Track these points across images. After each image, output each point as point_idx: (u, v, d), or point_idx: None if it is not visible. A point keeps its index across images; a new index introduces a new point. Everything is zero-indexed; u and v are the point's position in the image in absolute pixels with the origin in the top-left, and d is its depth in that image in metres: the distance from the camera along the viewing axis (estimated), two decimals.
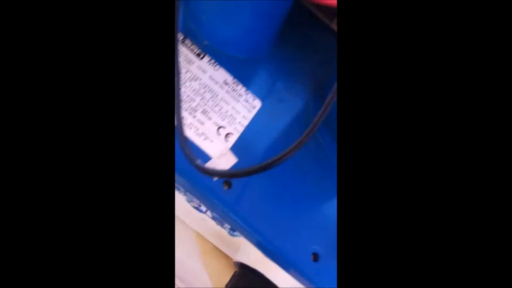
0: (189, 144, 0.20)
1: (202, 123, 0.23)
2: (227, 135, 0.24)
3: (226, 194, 0.22)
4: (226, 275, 0.43)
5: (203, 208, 0.34)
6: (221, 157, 0.23)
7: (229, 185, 0.22)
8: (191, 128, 0.23)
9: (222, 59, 0.25)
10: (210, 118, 0.24)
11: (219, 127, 0.24)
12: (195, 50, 0.25)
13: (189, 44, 0.25)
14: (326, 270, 0.24)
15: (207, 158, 0.23)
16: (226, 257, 0.42)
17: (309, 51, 0.28)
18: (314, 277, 0.24)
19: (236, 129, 0.24)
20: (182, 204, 0.37)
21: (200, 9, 0.24)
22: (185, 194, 0.34)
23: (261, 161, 0.17)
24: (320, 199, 0.25)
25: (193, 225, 0.42)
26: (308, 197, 0.24)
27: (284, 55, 0.27)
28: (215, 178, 0.22)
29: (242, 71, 0.25)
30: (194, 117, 0.23)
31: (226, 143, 0.23)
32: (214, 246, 0.42)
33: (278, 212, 0.23)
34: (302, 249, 0.23)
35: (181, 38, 0.25)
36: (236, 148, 0.23)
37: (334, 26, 0.29)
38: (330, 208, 0.25)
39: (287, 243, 0.23)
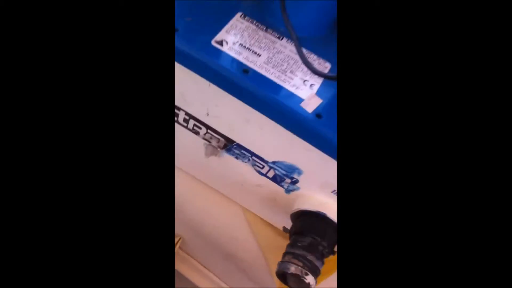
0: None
1: (292, 79, 0.33)
2: (311, 85, 0.33)
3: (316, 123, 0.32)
4: (277, 242, 0.49)
5: (265, 169, 0.42)
6: (311, 98, 0.32)
7: None
8: (285, 82, 0.33)
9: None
10: (296, 75, 0.34)
11: (304, 80, 0.33)
12: (276, 35, 0.35)
13: (271, 32, 0.35)
14: None
15: (300, 100, 0.32)
16: (273, 227, 0.49)
17: None
18: None
19: (316, 81, 0.34)
20: (240, 175, 0.44)
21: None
22: (250, 160, 0.42)
23: None
24: None
25: (242, 200, 0.49)
26: None
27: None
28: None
29: (311, 46, 0.36)
30: (286, 75, 0.33)
31: (311, 90, 0.33)
32: (261, 218, 0.50)
33: None
34: None
35: (264, 28, 0.36)
36: (319, 93, 0.33)
37: None
38: None
39: None
